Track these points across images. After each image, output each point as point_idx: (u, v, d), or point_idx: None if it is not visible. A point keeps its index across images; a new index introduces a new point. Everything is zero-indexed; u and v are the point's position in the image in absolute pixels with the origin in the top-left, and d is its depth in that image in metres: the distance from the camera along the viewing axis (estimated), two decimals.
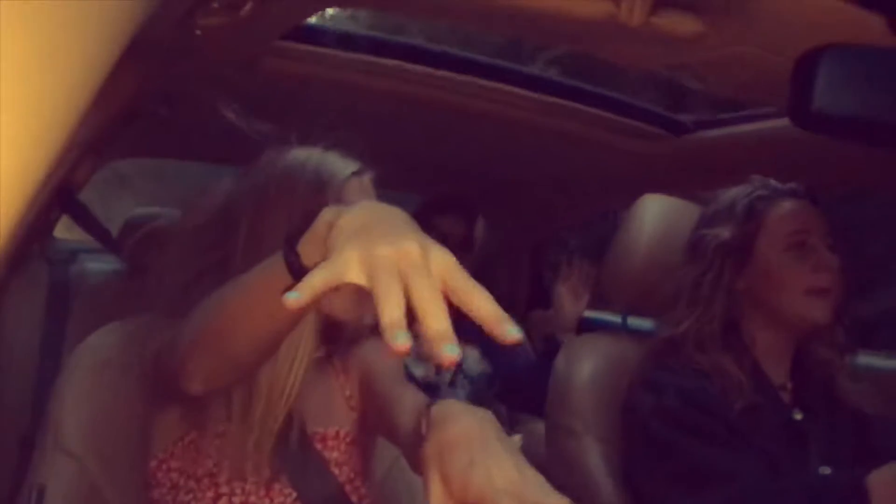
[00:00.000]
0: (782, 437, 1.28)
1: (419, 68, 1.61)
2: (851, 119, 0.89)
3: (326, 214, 0.72)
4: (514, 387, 2.01)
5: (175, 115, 1.52)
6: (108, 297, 1.66)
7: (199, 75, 1.46)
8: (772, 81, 1.02)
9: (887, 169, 1.40)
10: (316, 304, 0.69)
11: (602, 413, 1.41)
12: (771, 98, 1.30)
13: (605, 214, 2.56)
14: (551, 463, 1.41)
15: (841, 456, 1.29)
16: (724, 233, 1.35)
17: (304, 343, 1.00)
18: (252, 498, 1.01)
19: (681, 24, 1.01)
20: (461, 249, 2.10)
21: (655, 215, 1.49)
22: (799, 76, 0.88)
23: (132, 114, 1.38)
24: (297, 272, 0.74)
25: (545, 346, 1.97)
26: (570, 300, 2.00)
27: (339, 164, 1.07)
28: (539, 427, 1.62)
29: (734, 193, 1.40)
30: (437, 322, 0.59)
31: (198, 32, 1.11)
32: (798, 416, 1.33)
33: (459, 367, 2.03)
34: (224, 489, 1.01)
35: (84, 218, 2.01)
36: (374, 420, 1.09)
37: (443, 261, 0.62)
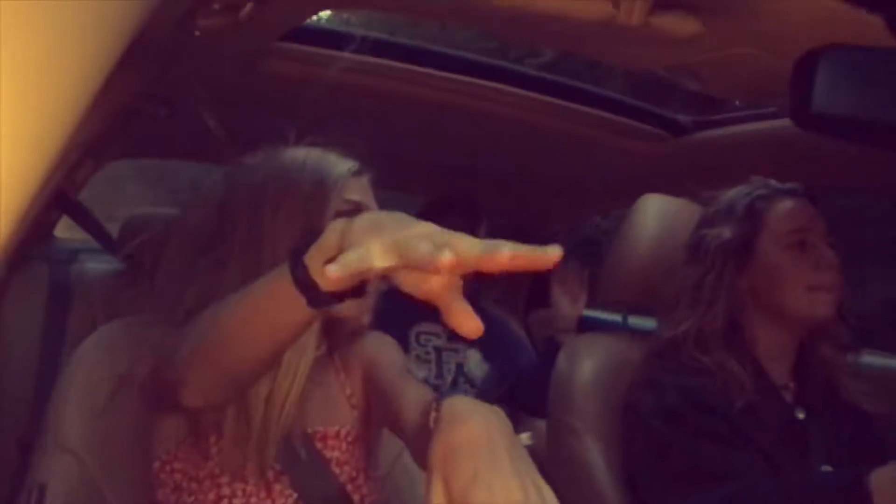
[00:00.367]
0: (784, 437, 1.28)
1: (419, 69, 1.62)
2: (851, 119, 0.89)
3: (336, 226, 0.73)
4: (516, 388, 2.01)
5: (175, 115, 1.52)
6: (108, 297, 1.66)
7: (198, 76, 1.46)
8: (771, 82, 1.02)
9: (886, 169, 1.40)
10: (323, 313, 0.71)
11: (603, 412, 1.42)
12: (770, 98, 1.31)
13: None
14: (553, 462, 1.41)
15: (843, 455, 1.29)
16: (725, 233, 1.36)
17: (306, 344, 1.00)
18: (253, 499, 1.01)
19: (680, 24, 1.01)
20: None
21: (656, 215, 1.49)
22: (798, 77, 0.88)
23: (132, 115, 1.38)
24: (304, 285, 0.74)
25: (546, 348, 1.97)
26: (567, 301, 2.00)
27: (339, 164, 1.08)
28: (541, 426, 1.62)
29: (734, 194, 1.40)
30: (471, 246, 0.61)
31: (197, 34, 1.11)
32: (800, 416, 1.33)
33: (461, 369, 2.03)
34: (225, 490, 1.01)
35: (84, 218, 2.01)
36: (378, 414, 1.09)
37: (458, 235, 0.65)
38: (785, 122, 1.12)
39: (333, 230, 0.72)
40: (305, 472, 1.04)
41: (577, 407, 1.43)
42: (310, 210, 1.03)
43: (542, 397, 1.52)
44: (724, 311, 1.33)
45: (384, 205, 1.11)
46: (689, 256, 1.39)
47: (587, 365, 1.46)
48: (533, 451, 0.74)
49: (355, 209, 1.07)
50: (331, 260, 0.69)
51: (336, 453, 1.07)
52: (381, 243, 0.65)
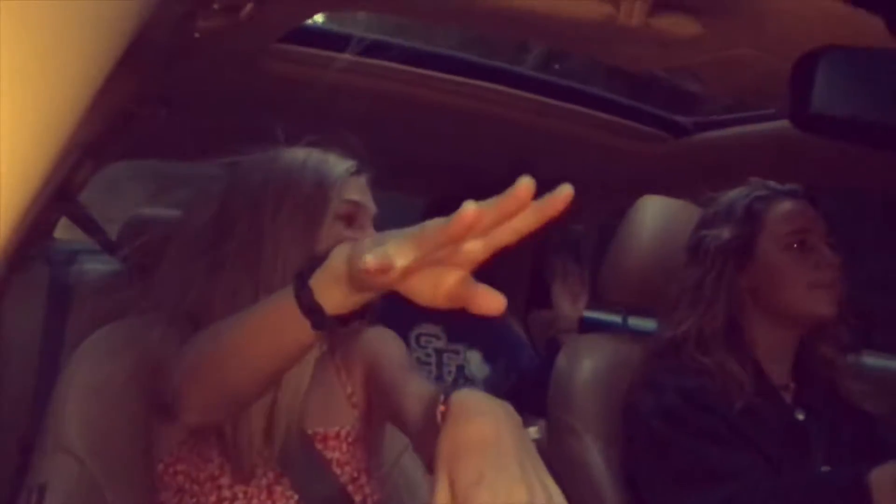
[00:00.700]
0: (784, 437, 1.28)
1: (418, 70, 1.62)
2: (850, 120, 0.89)
3: (342, 249, 0.73)
4: (518, 388, 2.01)
5: (174, 116, 1.52)
6: (107, 298, 1.66)
7: (198, 77, 1.46)
8: (771, 83, 1.02)
9: (886, 170, 1.40)
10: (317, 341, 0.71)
11: (603, 412, 1.42)
12: (770, 100, 1.31)
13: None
14: (553, 462, 1.41)
15: (843, 456, 1.29)
16: (725, 233, 1.36)
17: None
18: (254, 501, 1.01)
19: (680, 25, 1.01)
20: None
21: (655, 216, 1.49)
22: (798, 78, 0.88)
23: (132, 115, 1.38)
24: (309, 308, 0.74)
25: (548, 349, 1.97)
26: (568, 301, 2.00)
27: (339, 164, 1.08)
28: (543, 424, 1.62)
29: (734, 195, 1.40)
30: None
31: (197, 35, 1.11)
32: (800, 416, 1.33)
33: (462, 370, 2.03)
34: (226, 493, 1.01)
35: (83, 219, 2.01)
36: (380, 410, 1.09)
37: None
38: (784, 124, 1.12)
39: (340, 253, 0.73)
40: (306, 473, 1.04)
41: (577, 407, 1.43)
42: (310, 210, 1.04)
43: (546, 398, 1.52)
44: (723, 312, 1.33)
45: (384, 205, 1.12)
46: (688, 257, 1.39)
47: (587, 365, 1.46)
48: (539, 448, 0.74)
49: (355, 208, 1.07)
50: (337, 284, 0.71)
51: (336, 454, 1.07)
52: (396, 243, 0.64)
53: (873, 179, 1.60)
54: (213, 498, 1.01)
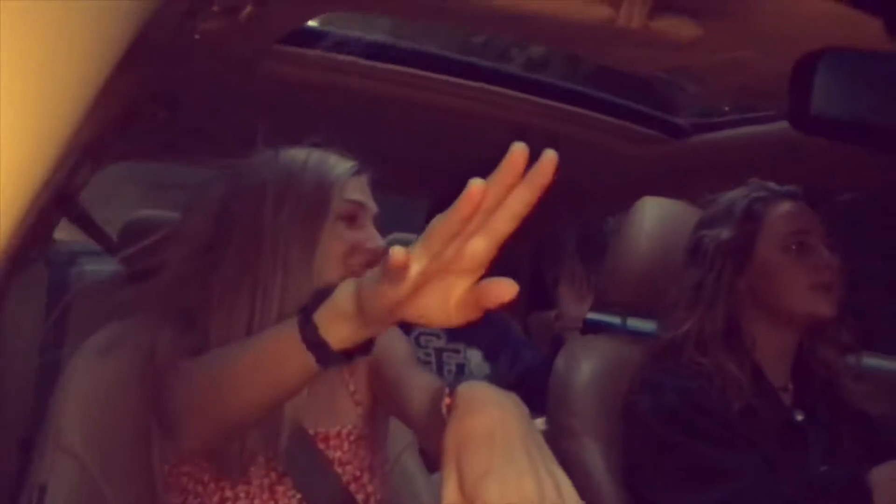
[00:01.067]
0: (782, 438, 1.28)
1: (418, 72, 1.62)
2: (849, 122, 0.89)
3: (347, 286, 0.73)
4: (520, 387, 2.00)
5: (174, 118, 1.52)
6: (107, 299, 1.66)
7: (198, 79, 1.46)
8: (770, 85, 1.02)
9: (885, 172, 1.41)
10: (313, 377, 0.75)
11: (602, 414, 1.42)
12: (769, 101, 1.31)
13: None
14: None
15: (841, 457, 1.29)
16: (724, 234, 1.36)
17: None
18: (257, 501, 1.01)
19: (679, 27, 1.01)
20: None
21: (654, 217, 1.49)
22: (797, 79, 0.88)
23: (132, 117, 1.38)
24: (313, 344, 0.75)
25: (553, 346, 1.96)
26: (574, 301, 2.00)
27: (340, 163, 1.08)
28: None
29: (733, 195, 1.41)
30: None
31: (197, 36, 1.11)
32: (799, 417, 1.33)
33: (462, 369, 2.03)
34: (228, 493, 1.01)
35: (83, 221, 2.01)
36: (385, 405, 1.09)
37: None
38: (783, 125, 1.12)
39: (346, 290, 0.73)
40: (308, 473, 1.04)
41: (576, 408, 1.43)
42: (311, 210, 1.04)
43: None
44: (723, 313, 1.34)
45: (384, 206, 1.12)
46: (687, 258, 1.39)
47: (585, 367, 1.46)
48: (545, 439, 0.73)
49: (356, 208, 1.08)
50: (342, 320, 0.72)
51: (339, 453, 1.07)
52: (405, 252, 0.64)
53: (872, 181, 1.60)
54: (216, 499, 1.01)
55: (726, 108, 2.12)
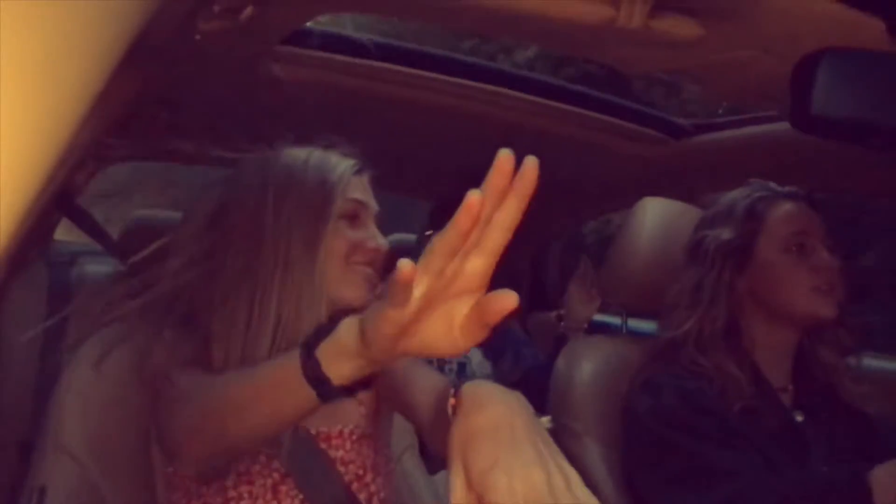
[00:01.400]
0: (782, 439, 1.28)
1: (420, 72, 1.62)
2: (850, 122, 0.89)
3: (350, 323, 0.74)
4: (522, 385, 2.00)
5: (175, 118, 1.52)
6: (108, 300, 1.66)
7: (199, 79, 1.46)
8: (771, 85, 1.02)
9: (886, 172, 1.41)
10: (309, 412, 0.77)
11: (602, 415, 1.42)
12: (770, 101, 1.31)
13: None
14: None
15: (841, 458, 1.29)
16: (725, 234, 1.36)
17: None
18: (259, 501, 1.01)
19: (680, 27, 1.01)
20: None
21: (655, 218, 1.49)
22: (798, 80, 0.88)
23: (133, 118, 1.38)
24: (316, 380, 0.75)
25: (556, 346, 1.96)
26: (582, 302, 1.99)
27: (341, 162, 1.09)
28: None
29: (734, 195, 1.40)
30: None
31: (198, 37, 1.11)
32: (799, 418, 1.33)
33: (463, 368, 2.02)
34: (232, 493, 1.01)
35: (84, 221, 2.01)
36: (390, 404, 1.09)
37: None
38: (785, 126, 1.12)
39: (349, 326, 0.74)
40: (310, 473, 1.04)
41: (577, 409, 1.43)
42: (313, 210, 1.04)
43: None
44: (723, 313, 1.33)
45: (383, 206, 1.12)
46: (688, 258, 1.39)
47: (586, 367, 1.46)
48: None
49: (358, 207, 1.08)
50: (345, 357, 0.72)
51: (341, 452, 1.07)
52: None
53: (873, 181, 1.60)
54: (219, 499, 1.01)
55: (720, 112, 2.12)
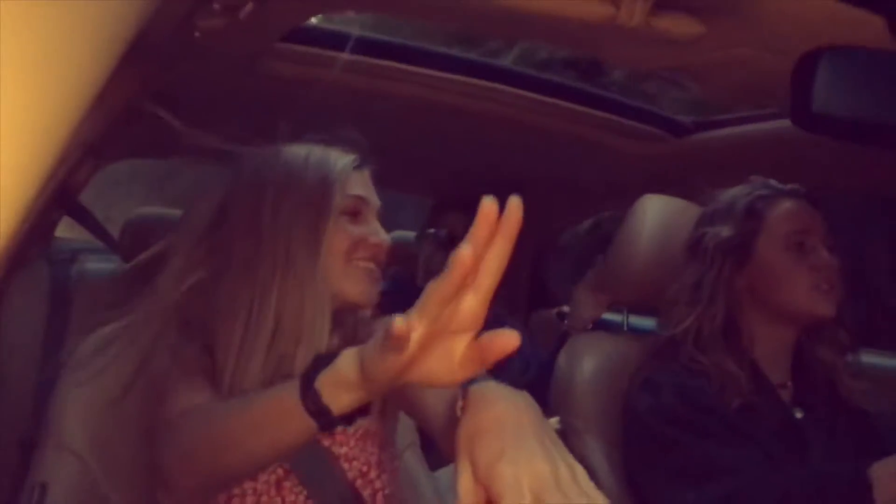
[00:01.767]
0: (782, 436, 1.28)
1: (420, 70, 1.62)
2: (850, 120, 0.89)
3: (349, 354, 0.75)
4: (524, 384, 1.99)
5: (175, 116, 1.52)
6: (109, 297, 1.66)
7: (199, 77, 1.46)
8: (771, 83, 1.02)
9: (886, 170, 1.40)
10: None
11: (603, 412, 1.42)
12: (770, 99, 1.31)
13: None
14: None
15: (841, 454, 1.29)
16: (725, 231, 1.36)
17: (320, 341, 1.01)
18: (264, 498, 1.01)
19: (680, 25, 1.01)
20: None
21: (655, 216, 1.49)
22: (799, 77, 0.88)
23: (133, 115, 1.38)
24: (316, 411, 0.76)
25: (558, 345, 1.95)
26: (590, 303, 1.96)
27: (341, 158, 1.08)
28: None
29: (734, 193, 1.40)
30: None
31: (197, 34, 1.11)
32: (798, 415, 1.33)
33: None
34: (236, 490, 1.01)
35: (85, 218, 2.01)
36: (397, 402, 1.09)
37: None
38: (785, 123, 1.12)
39: (348, 359, 0.75)
40: (313, 469, 1.04)
41: (578, 407, 1.43)
42: (314, 207, 1.04)
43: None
44: (722, 311, 1.33)
45: (388, 205, 1.12)
46: (688, 255, 1.39)
47: (587, 365, 1.46)
48: None
49: (359, 203, 1.08)
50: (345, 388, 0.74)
51: (345, 449, 1.06)
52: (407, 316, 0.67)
53: (874, 179, 1.60)
54: (222, 497, 1.01)
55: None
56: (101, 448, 1.12)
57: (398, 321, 0.63)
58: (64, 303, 1.84)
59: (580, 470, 0.69)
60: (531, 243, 2.48)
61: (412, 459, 1.31)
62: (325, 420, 0.77)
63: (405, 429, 1.26)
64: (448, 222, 2.10)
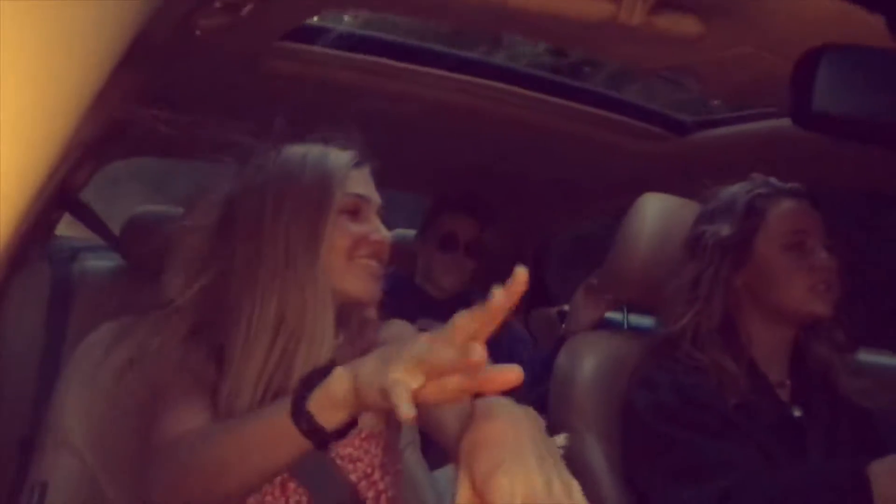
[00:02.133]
0: (780, 434, 1.28)
1: (421, 68, 1.62)
2: (851, 119, 0.89)
3: (341, 374, 0.77)
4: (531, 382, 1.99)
5: (175, 115, 1.52)
6: (109, 295, 1.66)
7: (199, 76, 1.46)
8: (772, 81, 1.02)
9: (887, 169, 1.40)
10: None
11: (603, 411, 1.42)
12: (771, 98, 1.30)
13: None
14: None
15: (840, 452, 1.29)
16: (724, 229, 1.36)
17: (323, 338, 1.01)
18: (268, 498, 1.01)
19: (681, 24, 1.01)
20: (467, 254, 2.09)
21: (656, 214, 1.49)
22: (799, 76, 0.88)
23: (133, 114, 1.38)
24: (309, 431, 0.78)
25: (556, 347, 1.95)
26: (591, 307, 1.96)
27: (341, 157, 1.08)
28: None
29: (735, 190, 1.40)
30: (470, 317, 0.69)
31: (198, 33, 1.11)
32: (797, 413, 1.33)
33: None
34: None
35: (87, 217, 2.01)
36: None
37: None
38: (786, 122, 1.12)
39: (340, 378, 0.76)
40: (314, 471, 1.04)
41: (578, 405, 1.43)
42: (313, 206, 1.04)
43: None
44: (720, 309, 1.33)
45: (389, 204, 1.12)
46: (687, 252, 1.39)
47: (587, 363, 1.46)
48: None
49: (359, 201, 1.08)
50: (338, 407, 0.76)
51: (349, 450, 1.06)
52: (404, 369, 0.70)
53: (875, 178, 1.60)
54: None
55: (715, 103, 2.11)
56: (101, 446, 1.13)
57: (401, 408, 0.68)
58: (65, 301, 1.84)
59: (575, 485, 0.70)
60: (532, 242, 2.49)
61: (411, 459, 1.31)
62: (319, 438, 0.79)
63: (405, 428, 1.26)
64: (454, 220, 2.10)
